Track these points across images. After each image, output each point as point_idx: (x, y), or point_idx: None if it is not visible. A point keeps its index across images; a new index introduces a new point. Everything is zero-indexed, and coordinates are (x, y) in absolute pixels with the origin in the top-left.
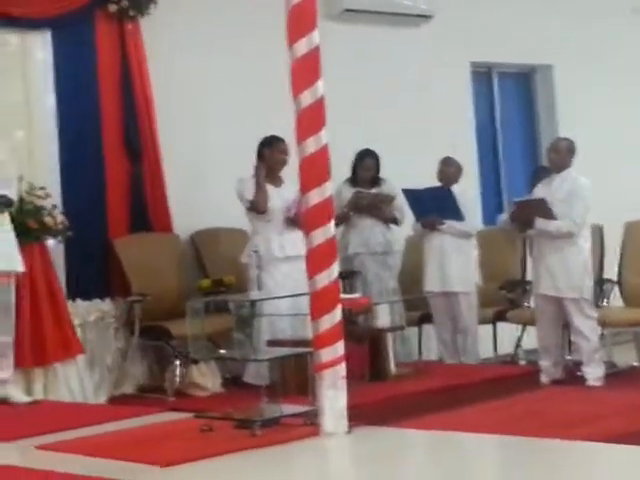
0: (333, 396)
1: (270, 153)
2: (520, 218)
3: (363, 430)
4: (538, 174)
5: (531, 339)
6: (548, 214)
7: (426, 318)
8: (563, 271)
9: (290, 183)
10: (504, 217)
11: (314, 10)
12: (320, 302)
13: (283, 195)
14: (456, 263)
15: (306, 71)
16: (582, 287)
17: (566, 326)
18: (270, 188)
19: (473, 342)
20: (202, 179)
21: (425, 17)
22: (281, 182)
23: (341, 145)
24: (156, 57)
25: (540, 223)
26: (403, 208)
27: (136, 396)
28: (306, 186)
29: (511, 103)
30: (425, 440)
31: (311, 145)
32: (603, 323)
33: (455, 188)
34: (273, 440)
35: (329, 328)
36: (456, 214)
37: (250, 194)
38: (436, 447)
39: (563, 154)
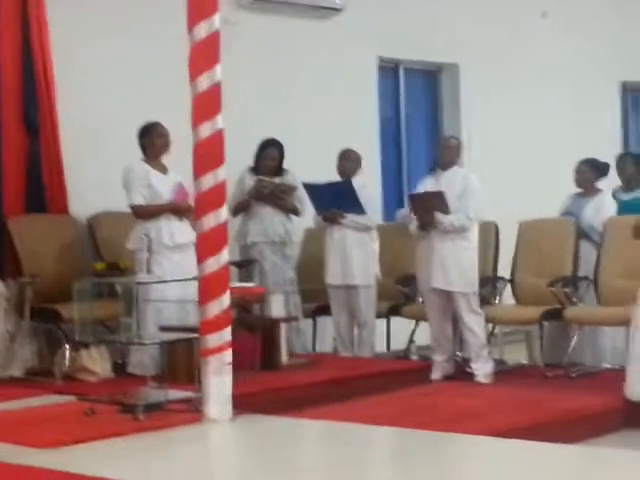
0: (218, 382)
1: (149, 141)
2: (418, 211)
3: (248, 418)
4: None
5: (424, 335)
6: (444, 208)
7: (322, 310)
8: (456, 265)
9: (173, 171)
10: (403, 212)
11: None
12: (208, 287)
13: (171, 182)
14: (357, 256)
15: (204, 55)
16: (473, 282)
17: (455, 321)
18: (157, 175)
19: (369, 335)
20: (101, 160)
21: (335, 10)
22: (166, 170)
23: (245, 133)
24: (58, 31)
25: (437, 217)
26: (304, 199)
27: (24, 379)
28: (199, 171)
29: (416, 100)
30: (311, 430)
31: (206, 130)
32: (494, 320)
33: (356, 181)
34: (155, 425)
35: (217, 314)
36: (357, 207)
37: (134, 197)
38: (322, 437)
39: (455, 151)
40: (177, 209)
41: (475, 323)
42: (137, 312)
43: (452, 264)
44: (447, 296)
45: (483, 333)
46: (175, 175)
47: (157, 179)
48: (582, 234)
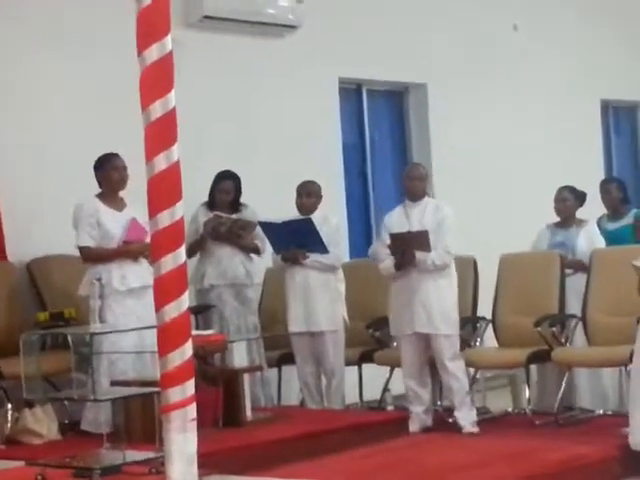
0: (182, 440)
1: (104, 175)
2: (397, 251)
3: (215, 479)
4: None
5: (399, 383)
6: (427, 247)
7: (286, 358)
8: (439, 306)
9: (131, 206)
10: (377, 246)
11: (167, 13)
12: (169, 336)
13: (125, 219)
14: (322, 300)
15: (157, 80)
16: (456, 323)
17: (432, 368)
18: (109, 212)
19: (338, 385)
20: (41, 201)
21: (290, 27)
22: (123, 205)
23: (196, 165)
24: None
25: (417, 256)
26: (265, 236)
27: None
28: (155, 207)
29: (382, 123)
30: None
31: (161, 162)
32: (475, 364)
33: (316, 216)
34: None
35: (178, 365)
36: (319, 246)
37: (82, 238)
38: None
39: (425, 181)
40: (129, 252)
41: (458, 368)
42: (91, 365)
43: (435, 305)
44: (427, 341)
45: (466, 377)
46: (133, 211)
47: (108, 217)
48: (579, 267)
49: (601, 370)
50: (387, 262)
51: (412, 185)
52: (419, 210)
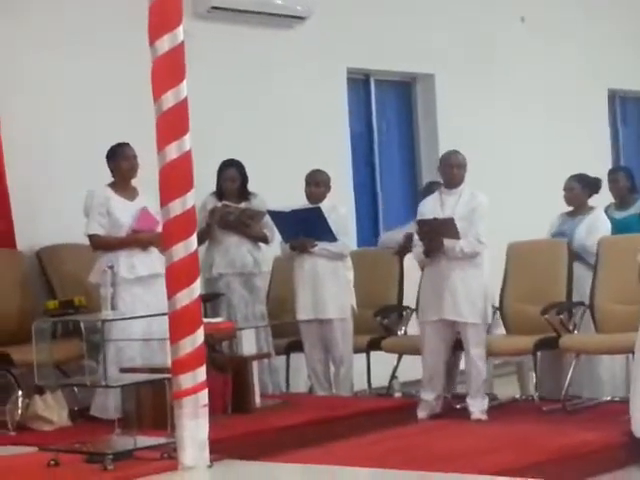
0: (194, 426)
1: (116, 164)
2: (425, 238)
3: (226, 464)
4: (431, 190)
5: (407, 370)
6: (455, 234)
7: (295, 346)
8: (466, 294)
9: (144, 195)
10: (386, 235)
11: (179, 4)
12: (180, 323)
13: (136, 208)
14: (330, 288)
15: (169, 71)
16: (485, 312)
17: (452, 355)
18: (120, 201)
19: (347, 372)
20: (50, 190)
21: (299, 18)
22: (135, 195)
23: (206, 156)
24: (1, 53)
25: (446, 243)
26: (273, 225)
27: None
28: (166, 196)
29: (390, 113)
30: (292, 474)
31: (173, 151)
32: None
33: (325, 204)
34: (126, 475)
35: (190, 352)
36: (328, 235)
37: (91, 226)
38: None
39: (463, 168)
40: (138, 241)
41: (479, 356)
42: (103, 352)
43: (462, 293)
44: (452, 328)
45: (485, 367)
46: (145, 200)
47: (118, 206)
48: (575, 256)
49: (599, 358)
50: (417, 249)
51: (451, 172)
52: (454, 198)
